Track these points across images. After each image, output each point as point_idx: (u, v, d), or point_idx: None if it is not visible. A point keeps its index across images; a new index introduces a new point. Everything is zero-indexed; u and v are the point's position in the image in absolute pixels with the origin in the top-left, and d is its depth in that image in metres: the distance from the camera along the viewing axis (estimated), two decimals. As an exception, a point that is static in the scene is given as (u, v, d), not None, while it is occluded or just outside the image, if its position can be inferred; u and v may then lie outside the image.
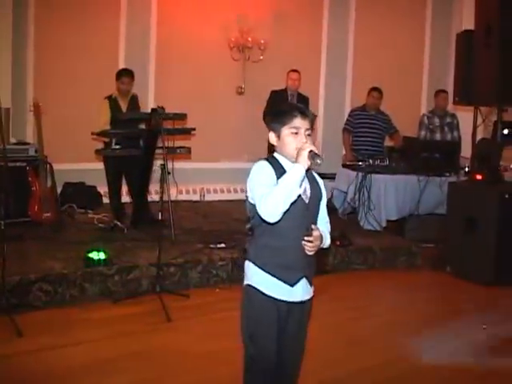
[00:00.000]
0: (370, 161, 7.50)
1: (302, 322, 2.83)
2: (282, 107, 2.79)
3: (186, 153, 6.80)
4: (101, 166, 6.92)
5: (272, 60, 8.83)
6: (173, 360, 4.13)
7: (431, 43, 9.91)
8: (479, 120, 6.82)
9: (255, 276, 2.72)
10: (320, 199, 2.82)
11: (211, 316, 4.99)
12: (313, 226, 2.70)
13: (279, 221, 2.56)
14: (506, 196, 5.98)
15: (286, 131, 2.67)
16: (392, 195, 7.17)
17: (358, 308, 5.31)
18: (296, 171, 2.54)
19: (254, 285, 2.73)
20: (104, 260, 5.24)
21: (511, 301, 5.74)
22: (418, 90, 9.93)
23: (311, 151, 2.55)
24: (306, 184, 2.73)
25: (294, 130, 2.66)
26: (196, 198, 8.74)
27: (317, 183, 2.82)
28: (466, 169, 7.67)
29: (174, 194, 6.60)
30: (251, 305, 2.75)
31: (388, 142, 8.54)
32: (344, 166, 7.90)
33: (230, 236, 6.51)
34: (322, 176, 8.54)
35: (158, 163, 6.81)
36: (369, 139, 8.15)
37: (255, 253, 2.75)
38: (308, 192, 2.73)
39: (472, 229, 6.14)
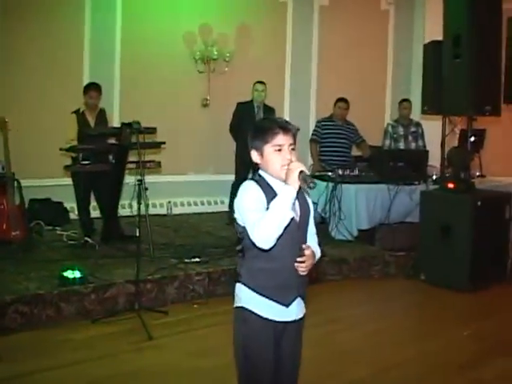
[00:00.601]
0: (340, 171, 7.50)
1: (296, 339, 2.77)
2: (263, 124, 2.68)
3: (157, 167, 6.72)
4: (66, 181, 6.81)
5: (237, 72, 8.82)
6: (162, 379, 4.05)
7: (394, 54, 10.03)
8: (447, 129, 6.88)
9: (249, 299, 2.64)
10: (309, 214, 2.75)
11: (193, 333, 4.91)
12: (303, 246, 2.64)
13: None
14: (479, 203, 6.06)
15: (268, 149, 2.58)
16: (363, 204, 7.18)
17: (339, 320, 5.29)
18: (287, 195, 2.45)
19: (248, 307, 2.64)
20: (80, 278, 5.11)
21: (487, 307, 5.80)
22: (382, 100, 10.03)
23: (302, 172, 2.46)
24: (295, 201, 2.62)
25: (277, 148, 2.57)
26: (163, 211, 8.63)
27: (304, 198, 2.73)
28: (434, 177, 7.77)
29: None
30: (246, 326, 2.65)
31: (355, 152, 8.57)
32: (313, 176, 7.87)
33: (203, 250, 6.45)
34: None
35: (128, 178, 6.78)
36: (336, 149, 8.17)
37: (248, 276, 2.65)
38: (298, 209, 2.64)
39: (446, 236, 6.20)
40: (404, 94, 9.49)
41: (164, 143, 6.74)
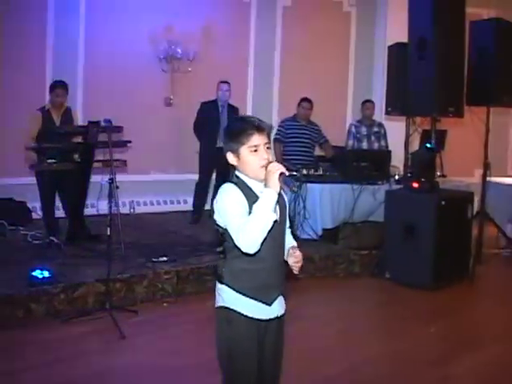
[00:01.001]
0: (304, 170, 7.55)
1: (278, 336, 2.80)
2: (237, 125, 2.65)
3: (123, 165, 6.67)
4: (29, 180, 6.71)
5: (201, 71, 8.80)
6: (137, 379, 4.04)
7: (356, 55, 10.14)
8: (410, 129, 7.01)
9: (233, 299, 2.65)
10: (286, 211, 2.77)
11: (165, 332, 4.91)
12: (292, 247, 2.73)
13: None
14: (443, 203, 6.19)
15: (245, 151, 2.57)
16: (327, 204, 7.24)
17: (307, 318, 5.32)
18: (269, 199, 2.46)
19: (232, 307, 2.65)
20: (48, 278, 5.06)
21: (451, 304, 5.92)
22: (344, 100, 10.13)
23: (282, 173, 2.49)
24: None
25: (254, 148, 2.56)
26: (125, 211, 8.57)
27: (282, 195, 2.71)
28: (396, 177, 7.90)
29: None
30: (230, 326, 2.67)
31: (318, 152, 8.65)
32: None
33: (170, 249, 6.44)
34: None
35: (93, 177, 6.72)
36: (300, 149, 8.23)
37: (231, 277, 2.65)
38: (277, 210, 2.63)
39: (410, 235, 6.31)
40: (366, 94, 9.61)
41: (130, 142, 6.69)
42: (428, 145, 6.70)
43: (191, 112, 8.28)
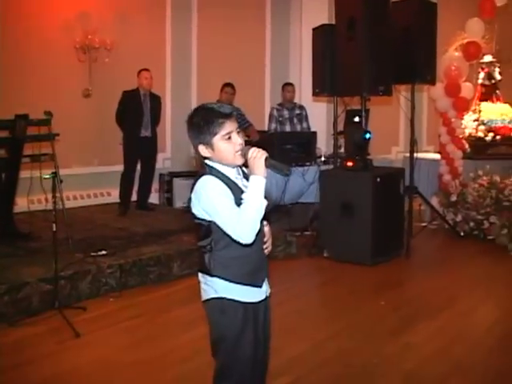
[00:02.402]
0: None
1: (267, 315, 2.81)
2: (205, 116, 2.54)
3: (51, 160, 6.43)
4: None
5: (119, 61, 8.61)
6: (102, 376, 3.92)
7: (271, 39, 10.18)
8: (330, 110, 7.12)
9: (226, 289, 2.62)
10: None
11: (118, 326, 4.78)
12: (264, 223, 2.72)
13: None
14: (378, 180, 6.32)
15: (218, 141, 2.51)
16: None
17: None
18: (258, 186, 2.45)
19: (226, 296, 2.62)
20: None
21: (392, 278, 6.11)
22: (262, 84, 10.15)
23: (267, 158, 2.46)
24: None
25: (227, 136, 2.51)
26: (49, 206, 8.26)
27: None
28: (323, 158, 8.03)
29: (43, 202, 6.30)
30: (225, 315, 2.63)
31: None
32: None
33: (106, 242, 6.31)
34: (178, 174, 8.54)
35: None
36: (224, 134, 8.20)
37: (222, 267, 2.61)
38: None
39: (347, 213, 6.42)
40: (283, 78, 9.70)
41: (58, 135, 6.46)
42: (356, 119, 6.85)
43: (111, 102, 8.07)
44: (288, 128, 8.60)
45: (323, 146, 8.97)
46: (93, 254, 5.81)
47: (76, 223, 7.37)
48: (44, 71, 8.17)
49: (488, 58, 8.97)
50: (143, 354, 4.21)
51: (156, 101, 8.23)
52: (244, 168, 2.66)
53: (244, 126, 8.46)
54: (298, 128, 8.66)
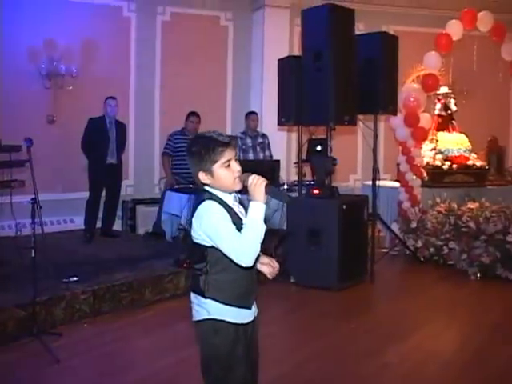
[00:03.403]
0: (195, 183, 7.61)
1: (256, 334, 2.91)
2: (205, 145, 2.64)
3: (21, 186, 6.44)
4: None
5: (84, 88, 8.66)
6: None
7: (233, 69, 10.31)
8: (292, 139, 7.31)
9: (220, 310, 2.71)
10: None
11: (97, 351, 4.81)
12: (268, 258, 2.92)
13: None
14: (344, 207, 6.51)
15: (218, 168, 2.62)
16: (226, 214, 7.35)
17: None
18: (259, 212, 2.56)
19: (219, 318, 2.71)
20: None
21: (359, 303, 6.31)
22: (223, 113, 10.29)
23: (267, 185, 2.57)
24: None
25: (227, 164, 2.61)
26: (12, 233, 8.20)
27: (242, 203, 2.84)
28: (286, 186, 8.18)
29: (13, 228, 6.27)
30: (218, 335, 2.72)
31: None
32: (173, 190, 7.97)
33: (76, 268, 6.29)
34: (141, 202, 8.58)
35: None
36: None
37: (216, 290, 2.71)
38: None
39: (314, 240, 6.57)
40: (245, 107, 9.88)
41: (28, 161, 6.45)
42: (318, 148, 7.06)
43: (75, 129, 8.11)
44: (251, 156, 8.75)
45: (283, 174, 9.14)
46: (65, 280, 5.82)
47: (41, 250, 7.34)
48: (10, 96, 8.15)
49: (444, 90, 9.35)
50: (125, 380, 4.26)
51: (122, 128, 8.31)
52: (239, 194, 2.79)
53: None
54: (261, 156, 8.83)
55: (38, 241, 5.17)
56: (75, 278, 5.89)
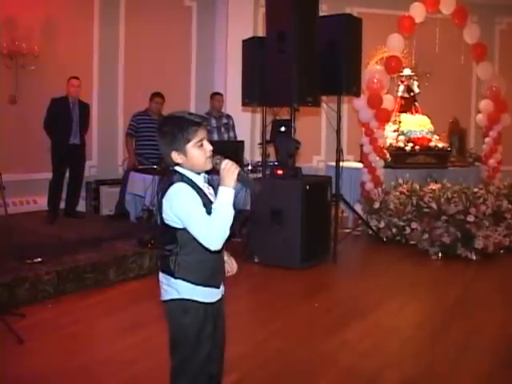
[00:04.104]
0: (163, 164, 7.60)
1: (222, 311, 2.98)
2: (178, 124, 2.66)
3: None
4: None
5: (46, 68, 8.56)
6: (52, 380, 3.95)
7: (197, 49, 10.32)
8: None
9: (189, 290, 2.76)
10: None
11: (60, 332, 4.78)
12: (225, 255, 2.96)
13: None
14: (307, 187, 6.58)
15: (191, 147, 2.64)
16: (190, 195, 7.36)
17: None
18: (229, 197, 2.59)
19: (188, 297, 2.76)
20: None
21: (322, 282, 6.42)
22: (187, 94, 10.27)
23: (239, 173, 2.62)
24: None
25: (200, 143, 2.65)
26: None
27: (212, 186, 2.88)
28: (250, 167, 8.21)
29: None
30: (187, 314, 2.77)
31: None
32: (137, 170, 7.95)
33: (39, 249, 6.24)
34: (104, 182, 8.54)
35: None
36: (152, 143, 8.27)
37: (186, 270, 2.74)
38: None
39: (277, 220, 6.64)
40: (209, 87, 9.88)
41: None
42: (282, 129, 7.12)
43: (38, 109, 8.03)
44: (215, 137, 8.75)
45: (247, 155, 9.18)
46: (28, 261, 5.79)
47: (3, 231, 7.29)
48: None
49: (407, 72, 9.46)
50: (89, 359, 4.27)
51: (85, 108, 8.24)
52: (207, 175, 2.81)
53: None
54: (225, 137, 8.85)
55: (2, 222, 5.09)
56: (39, 259, 5.85)
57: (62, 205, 8.35)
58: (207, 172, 2.77)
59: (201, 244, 2.61)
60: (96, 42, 9.41)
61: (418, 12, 8.41)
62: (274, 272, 6.56)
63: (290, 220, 6.57)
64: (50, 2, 8.75)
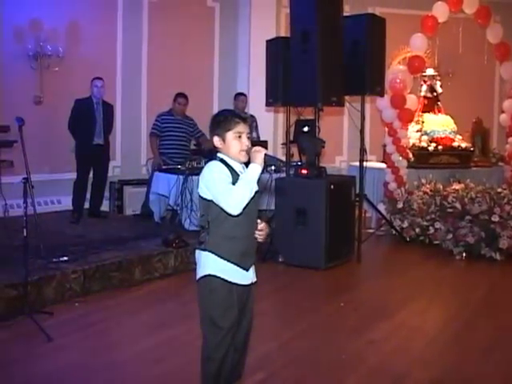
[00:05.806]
0: (187, 163, 7.65)
1: (252, 302, 3.23)
2: (225, 115, 3.10)
3: (9, 166, 6.46)
4: None
5: (71, 69, 8.64)
6: (79, 378, 3.99)
7: (220, 49, 10.35)
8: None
9: (216, 265, 3.00)
10: (257, 190, 3.09)
11: (88, 330, 4.85)
12: (258, 221, 3.12)
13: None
14: (332, 187, 6.59)
15: (230, 136, 3.02)
16: (213, 195, 7.39)
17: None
18: (255, 171, 2.94)
19: (214, 273, 3.00)
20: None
21: (347, 281, 6.44)
22: (210, 94, 10.30)
23: (266, 154, 2.96)
24: None
25: (238, 134, 3.03)
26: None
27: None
28: (273, 166, 8.19)
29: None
30: (214, 293, 3.02)
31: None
32: (161, 170, 7.99)
33: (65, 248, 6.33)
34: (128, 182, 8.56)
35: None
36: (176, 143, 8.34)
37: (215, 244, 3.00)
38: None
39: (301, 220, 6.66)
40: (232, 88, 9.90)
41: (16, 142, 6.47)
42: (305, 129, 7.14)
43: (62, 110, 8.12)
44: (239, 137, 8.74)
45: (271, 154, 9.15)
46: (55, 260, 5.86)
47: (30, 231, 7.36)
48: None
49: (430, 72, 9.44)
50: (115, 357, 4.31)
51: (108, 109, 8.32)
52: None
53: (196, 136, 8.61)
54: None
55: (31, 221, 5.15)
56: (65, 258, 5.92)
57: (86, 205, 8.42)
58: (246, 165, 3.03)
59: (227, 216, 2.88)
60: (119, 43, 9.47)
61: (441, 12, 8.38)
62: (299, 272, 6.57)
63: (315, 220, 6.59)
64: (75, 3, 8.82)
